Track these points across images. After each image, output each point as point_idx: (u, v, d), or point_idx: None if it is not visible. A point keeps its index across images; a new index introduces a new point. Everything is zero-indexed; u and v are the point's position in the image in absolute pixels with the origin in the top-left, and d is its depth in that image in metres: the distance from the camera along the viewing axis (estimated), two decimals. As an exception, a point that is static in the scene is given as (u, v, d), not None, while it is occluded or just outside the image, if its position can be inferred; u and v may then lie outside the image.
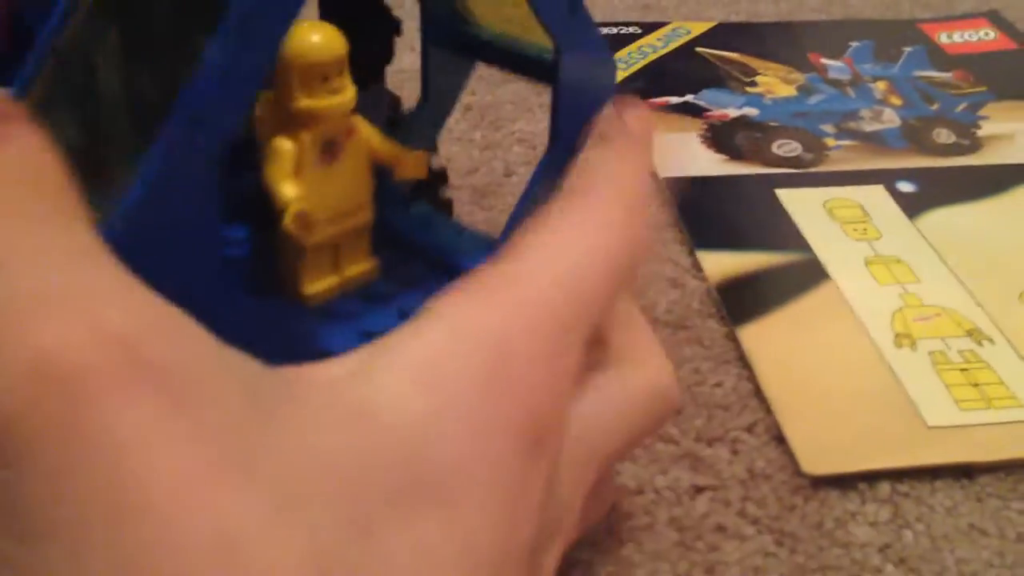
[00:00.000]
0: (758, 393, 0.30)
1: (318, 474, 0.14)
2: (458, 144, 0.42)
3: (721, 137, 0.42)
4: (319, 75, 0.20)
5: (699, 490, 0.27)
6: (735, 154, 0.41)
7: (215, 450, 0.13)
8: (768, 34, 0.51)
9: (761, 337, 0.32)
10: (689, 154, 0.41)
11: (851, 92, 0.46)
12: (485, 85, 0.46)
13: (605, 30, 0.51)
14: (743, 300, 0.33)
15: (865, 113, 0.44)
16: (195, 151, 0.16)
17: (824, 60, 0.48)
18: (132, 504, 0.12)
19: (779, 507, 0.27)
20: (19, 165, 0.15)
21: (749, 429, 0.29)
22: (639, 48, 0.49)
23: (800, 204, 0.38)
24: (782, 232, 0.36)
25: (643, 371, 0.21)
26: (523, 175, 0.40)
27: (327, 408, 0.15)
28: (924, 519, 0.27)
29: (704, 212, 0.37)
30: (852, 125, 0.43)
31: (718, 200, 0.38)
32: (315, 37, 0.20)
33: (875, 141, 0.42)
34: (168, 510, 0.12)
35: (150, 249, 0.16)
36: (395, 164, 0.23)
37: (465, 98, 0.45)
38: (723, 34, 0.50)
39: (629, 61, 0.48)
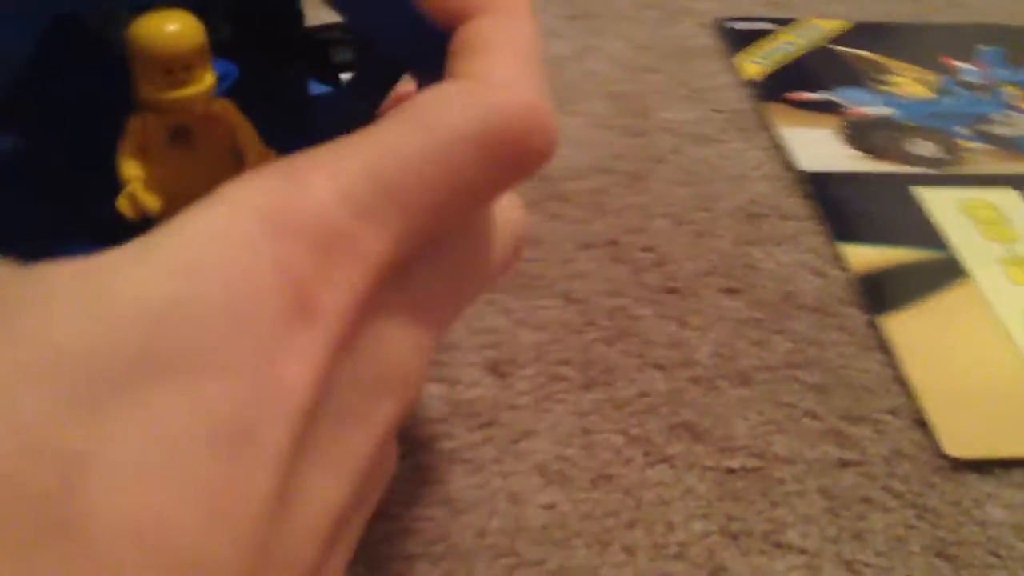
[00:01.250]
0: (899, 379, 0.32)
1: (41, 362, 0.14)
2: (605, 130, 0.44)
3: (860, 134, 0.44)
4: (162, 68, 0.19)
5: (845, 464, 0.30)
6: (873, 151, 0.43)
7: None
8: (900, 35, 0.52)
9: (903, 327, 0.34)
10: (828, 150, 0.43)
11: (983, 96, 0.47)
12: (629, 73, 0.49)
13: (737, 25, 0.53)
14: (884, 292, 0.35)
15: (996, 117, 0.46)
16: None
17: (955, 63, 0.50)
18: None
19: (921, 484, 0.29)
20: None
21: (892, 412, 0.31)
22: (776, 46, 0.51)
23: (937, 203, 0.40)
24: (920, 229, 0.38)
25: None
26: (673, 161, 0.42)
27: (63, 299, 0.15)
28: (1058, 504, 0.29)
29: (843, 206, 0.39)
30: (985, 128, 0.45)
31: (857, 195, 0.40)
32: (160, 29, 0.19)
33: (1007, 146, 0.44)
34: None
35: None
36: (245, 157, 0.21)
37: (612, 86, 0.48)
38: (857, 33, 0.52)
39: (769, 58, 0.50)
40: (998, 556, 0.28)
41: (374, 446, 0.17)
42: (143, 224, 0.19)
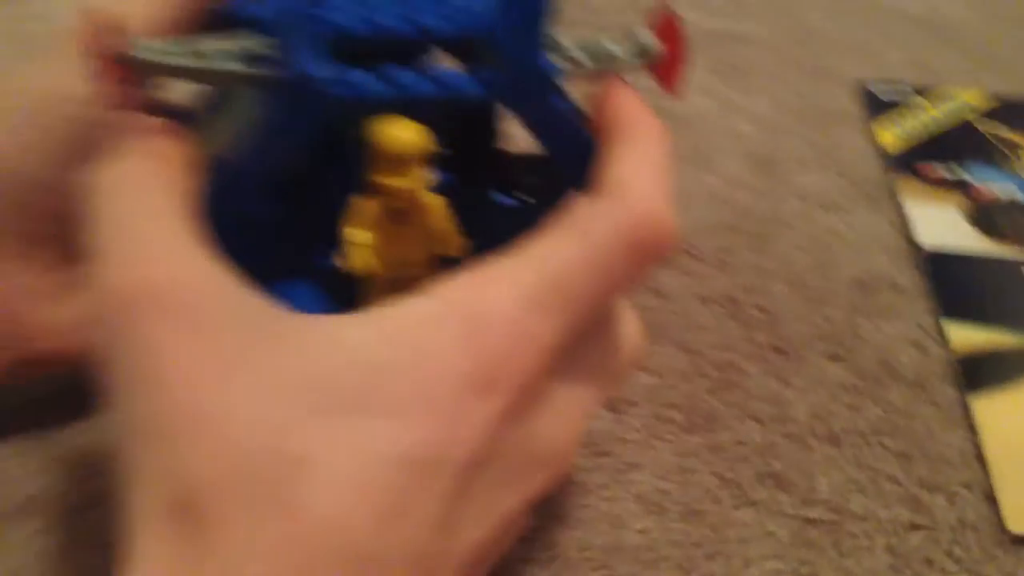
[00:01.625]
0: (979, 456, 0.36)
1: (292, 381, 0.20)
2: (738, 190, 0.48)
3: (985, 216, 0.46)
4: (392, 161, 0.23)
5: (915, 527, 0.33)
6: (996, 234, 0.45)
7: (221, 361, 0.20)
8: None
9: (991, 408, 0.37)
10: (950, 228, 0.45)
11: (1117, 184, 0.49)
12: (768, 134, 0.52)
13: (879, 89, 0.55)
14: (980, 372, 0.38)
15: None
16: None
17: (1096, 149, 0.51)
18: (158, 381, 0.20)
19: (981, 554, 0.33)
20: (153, 172, 0.23)
21: (967, 485, 0.35)
22: (916, 118, 0.53)
23: (1048, 291, 0.42)
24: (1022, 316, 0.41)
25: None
26: (798, 226, 0.46)
27: (311, 340, 0.20)
28: (1108, 589, 0.32)
29: (955, 285, 0.42)
30: (1111, 220, 0.47)
31: (970, 276, 0.43)
32: (397, 132, 0.23)
33: None
34: (181, 390, 0.20)
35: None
36: (444, 243, 0.26)
37: (750, 146, 0.51)
38: (1000, 110, 0.54)
39: (907, 129, 0.52)
40: (1043, 628, 0.31)
41: (521, 506, 0.23)
42: (359, 278, 0.26)
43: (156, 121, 0.25)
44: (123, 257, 0.22)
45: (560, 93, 0.25)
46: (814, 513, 0.34)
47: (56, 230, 0.30)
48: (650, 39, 0.26)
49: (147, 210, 0.23)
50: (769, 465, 0.35)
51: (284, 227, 0.27)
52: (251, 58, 0.23)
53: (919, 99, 0.55)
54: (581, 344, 0.23)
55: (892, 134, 0.52)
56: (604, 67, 0.26)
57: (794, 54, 0.60)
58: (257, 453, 0.19)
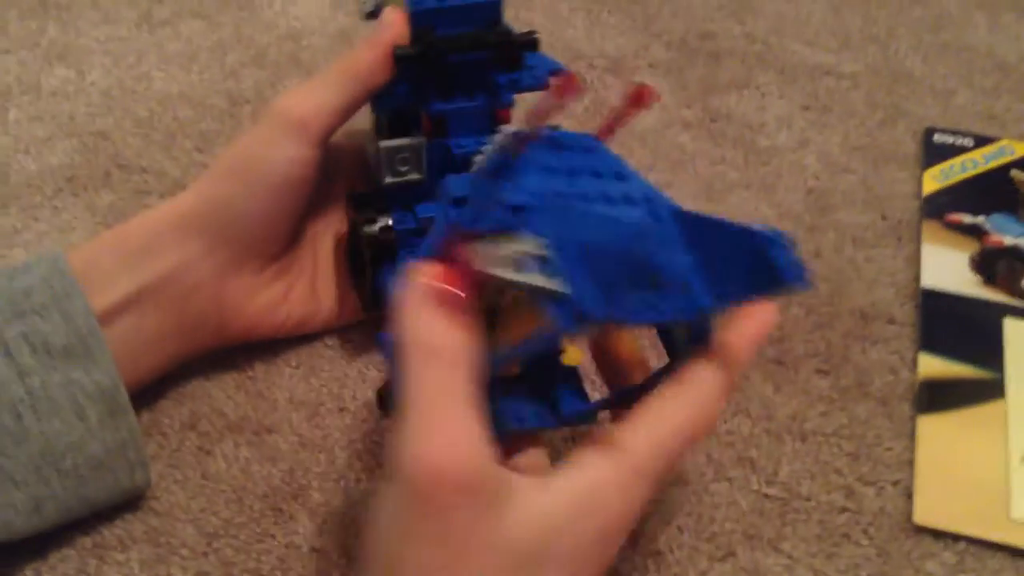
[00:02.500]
0: (910, 462, 0.47)
1: (505, 543, 0.31)
2: (789, 222, 0.59)
3: (985, 262, 0.56)
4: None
5: (844, 510, 0.45)
6: (989, 279, 0.55)
7: (470, 530, 0.30)
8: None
9: (933, 426, 0.48)
10: (952, 271, 0.55)
11: None
12: (830, 172, 0.63)
13: (941, 137, 0.65)
14: (935, 396, 0.49)
15: None
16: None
17: (1117, 204, 0.59)
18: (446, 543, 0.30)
19: (889, 535, 0.44)
20: (451, 351, 0.31)
21: (894, 483, 0.46)
22: (961, 163, 0.62)
23: (1016, 334, 0.52)
24: (988, 353, 0.51)
25: None
26: (827, 258, 0.57)
27: (513, 510, 0.31)
28: (975, 571, 0.43)
29: (938, 322, 0.53)
30: (1102, 274, 0.55)
31: (954, 315, 0.53)
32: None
33: (1113, 292, 0.54)
34: (456, 548, 0.30)
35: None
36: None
37: (811, 181, 0.62)
38: (1042, 159, 0.62)
39: (949, 174, 0.62)
40: (917, 593, 0.43)
41: None
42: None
43: (470, 304, 0.32)
44: (426, 440, 0.30)
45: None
46: (772, 491, 0.46)
47: (265, 248, 0.47)
48: None
49: (448, 394, 0.31)
50: (748, 452, 0.48)
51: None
52: (528, 261, 0.31)
53: (974, 150, 0.64)
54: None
55: (934, 180, 0.61)
56: None
57: (877, 94, 0.69)
58: None
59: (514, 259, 0.31)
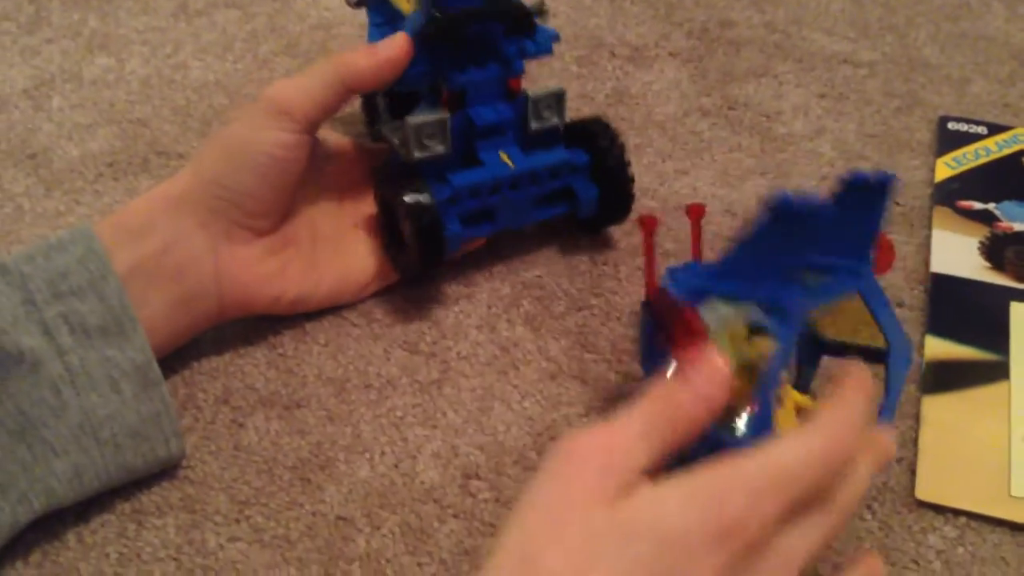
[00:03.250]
0: (915, 440, 0.49)
1: (618, 521, 0.31)
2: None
3: (994, 248, 0.57)
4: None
5: (850, 485, 0.47)
6: (998, 264, 0.56)
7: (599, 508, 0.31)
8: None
9: (937, 406, 0.49)
10: (962, 257, 0.57)
11: None
12: (845, 159, 0.64)
13: (955, 125, 0.66)
14: (940, 378, 0.51)
15: None
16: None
17: None
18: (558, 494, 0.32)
19: (892, 510, 0.46)
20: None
21: (898, 460, 0.48)
22: (975, 150, 0.64)
23: (1022, 319, 0.53)
24: (994, 336, 0.52)
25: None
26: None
27: (629, 509, 0.31)
28: (975, 544, 0.45)
29: (946, 306, 0.54)
30: (1109, 260, 0.56)
31: (962, 300, 0.54)
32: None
33: (1119, 278, 0.55)
34: (570, 513, 0.31)
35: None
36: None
37: (826, 168, 0.64)
38: (1055, 147, 0.63)
39: (962, 161, 0.63)
40: (917, 564, 0.44)
41: None
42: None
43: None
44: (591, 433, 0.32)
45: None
46: (779, 466, 0.48)
47: (254, 221, 0.50)
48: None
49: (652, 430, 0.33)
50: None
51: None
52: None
53: (988, 138, 0.65)
54: (800, 514, 0.33)
55: (947, 167, 0.63)
56: None
57: (894, 82, 0.71)
58: (580, 550, 0.30)
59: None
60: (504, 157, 0.52)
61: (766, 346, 0.38)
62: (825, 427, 0.34)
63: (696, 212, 0.45)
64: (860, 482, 0.35)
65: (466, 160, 0.53)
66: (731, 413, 0.38)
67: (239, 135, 0.49)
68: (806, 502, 0.33)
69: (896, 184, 0.37)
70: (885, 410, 0.41)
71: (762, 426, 0.37)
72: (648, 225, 0.44)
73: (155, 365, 0.45)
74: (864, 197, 0.37)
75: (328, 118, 0.50)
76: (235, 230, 0.50)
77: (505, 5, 0.49)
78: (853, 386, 0.36)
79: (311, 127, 0.50)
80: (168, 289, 0.48)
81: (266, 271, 0.51)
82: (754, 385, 0.38)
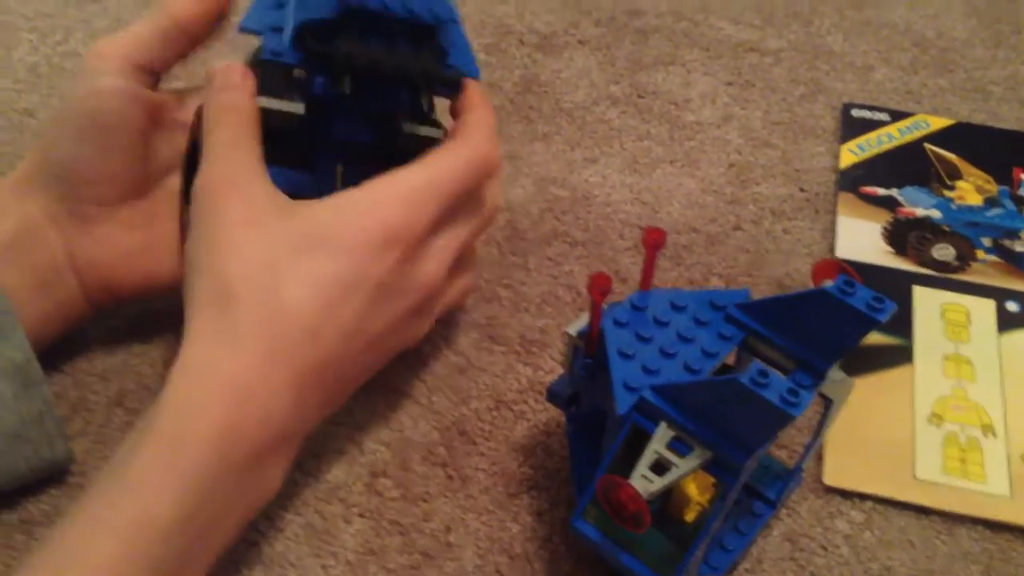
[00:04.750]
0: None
1: (283, 233, 0.39)
2: (711, 196, 0.61)
3: (897, 233, 0.58)
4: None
5: (759, 472, 0.47)
6: (900, 249, 0.57)
7: (253, 219, 0.39)
8: (989, 140, 0.64)
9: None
10: (865, 242, 0.57)
11: (1028, 211, 0.59)
12: (751, 146, 0.64)
13: (859, 112, 0.66)
14: (843, 363, 0.51)
15: (1024, 234, 0.58)
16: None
17: (1022, 176, 0.62)
18: (219, 222, 0.39)
19: (799, 495, 0.46)
20: (231, 107, 0.42)
21: (805, 447, 0.48)
22: (877, 136, 0.64)
23: (924, 303, 0.54)
24: (899, 321, 0.53)
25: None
26: (747, 230, 0.59)
27: (296, 213, 0.39)
28: (882, 528, 0.45)
29: (854, 290, 0.54)
30: (1007, 243, 0.57)
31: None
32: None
33: (1016, 262, 0.56)
34: (231, 227, 0.39)
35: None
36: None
37: (733, 155, 0.64)
38: (956, 133, 0.64)
39: (866, 148, 0.64)
40: (825, 549, 0.45)
41: (408, 313, 0.42)
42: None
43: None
44: (215, 167, 0.41)
45: None
46: (689, 455, 0.48)
47: (97, 191, 0.47)
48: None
49: (235, 139, 0.41)
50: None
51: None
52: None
53: (890, 125, 0.65)
54: (452, 216, 0.42)
55: (851, 154, 0.63)
56: None
57: (799, 70, 0.71)
58: (263, 265, 0.38)
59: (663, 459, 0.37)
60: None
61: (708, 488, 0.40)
62: (469, 138, 0.43)
63: (653, 240, 0.40)
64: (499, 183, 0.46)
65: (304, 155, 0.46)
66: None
67: (63, 97, 0.48)
68: (458, 206, 0.42)
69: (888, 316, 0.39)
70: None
71: None
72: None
73: (36, 363, 0.42)
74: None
75: (166, 67, 0.47)
76: (81, 206, 0.46)
77: (419, 68, 0.43)
78: (480, 103, 0.45)
79: (136, 72, 0.46)
80: (22, 276, 0.45)
81: (127, 248, 0.47)
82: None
